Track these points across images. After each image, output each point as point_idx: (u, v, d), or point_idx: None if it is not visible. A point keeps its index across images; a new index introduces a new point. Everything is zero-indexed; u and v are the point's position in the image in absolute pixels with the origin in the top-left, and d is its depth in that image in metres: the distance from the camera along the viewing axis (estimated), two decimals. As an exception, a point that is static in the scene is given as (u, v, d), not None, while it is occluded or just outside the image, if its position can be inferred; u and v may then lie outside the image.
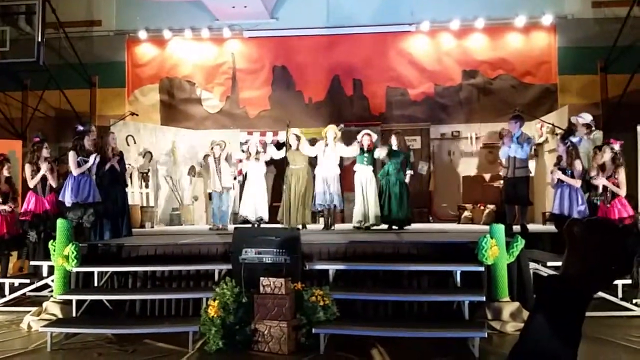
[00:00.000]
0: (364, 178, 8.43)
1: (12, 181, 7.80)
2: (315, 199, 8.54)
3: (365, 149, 8.44)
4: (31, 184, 7.46)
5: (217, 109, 12.24)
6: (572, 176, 6.77)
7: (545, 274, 5.84)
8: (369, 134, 8.53)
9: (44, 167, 7.43)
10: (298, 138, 8.73)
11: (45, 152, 7.51)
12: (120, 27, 12.21)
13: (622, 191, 6.70)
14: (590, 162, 7.25)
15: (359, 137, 8.54)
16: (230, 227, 8.81)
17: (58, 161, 8.65)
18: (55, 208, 7.47)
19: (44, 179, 7.48)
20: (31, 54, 10.41)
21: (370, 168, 8.48)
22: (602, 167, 6.76)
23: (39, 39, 10.44)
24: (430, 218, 11.34)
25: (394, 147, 8.57)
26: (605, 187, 6.71)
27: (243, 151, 9.66)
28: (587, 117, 8.05)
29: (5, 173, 7.64)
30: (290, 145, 8.80)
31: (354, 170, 8.57)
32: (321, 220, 9.27)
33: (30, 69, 10.95)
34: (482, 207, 10.11)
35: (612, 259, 1.08)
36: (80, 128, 7.23)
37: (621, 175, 6.68)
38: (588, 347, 4.52)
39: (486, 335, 4.59)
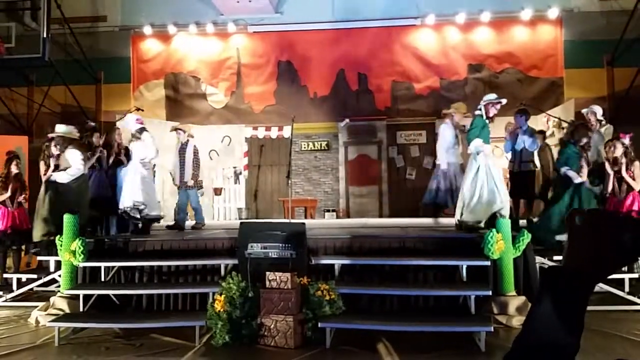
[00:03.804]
0: (486, 160, 6.26)
1: (22, 177, 7.83)
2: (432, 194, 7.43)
3: (488, 120, 6.51)
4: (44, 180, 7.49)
5: (222, 104, 12.24)
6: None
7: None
8: (500, 103, 6.64)
9: (52, 164, 7.44)
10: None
11: (53, 150, 7.50)
12: (125, 23, 12.23)
13: (638, 185, 6.65)
14: (601, 155, 7.22)
15: (482, 102, 6.66)
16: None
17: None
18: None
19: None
20: (36, 49, 10.44)
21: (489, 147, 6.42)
22: (614, 161, 6.71)
23: (44, 35, 10.46)
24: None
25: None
26: (620, 181, 6.66)
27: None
28: (599, 111, 8.00)
29: (14, 169, 7.67)
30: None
31: (475, 152, 6.31)
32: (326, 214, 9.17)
33: (35, 65, 10.96)
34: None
35: (613, 249, 1.07)
36: (92, 124, 7.28)
37: (637, 168, 6.63)
38: (594, 341, 4.51)
39: (492, 330, 4.59)
